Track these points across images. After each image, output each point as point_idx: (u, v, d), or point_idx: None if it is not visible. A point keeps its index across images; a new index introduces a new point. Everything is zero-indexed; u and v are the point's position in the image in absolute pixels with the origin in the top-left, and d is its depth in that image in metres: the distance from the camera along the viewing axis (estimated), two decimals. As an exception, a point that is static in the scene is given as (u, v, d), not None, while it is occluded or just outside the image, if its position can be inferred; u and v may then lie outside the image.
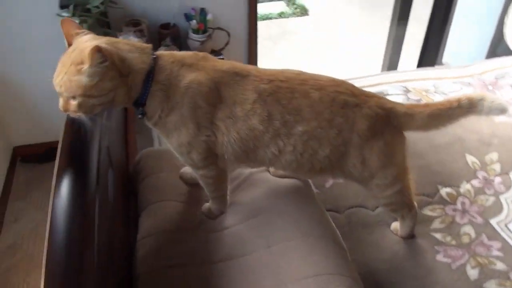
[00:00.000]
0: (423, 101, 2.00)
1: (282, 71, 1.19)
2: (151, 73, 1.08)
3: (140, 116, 1.13)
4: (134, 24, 2.28)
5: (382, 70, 3.31)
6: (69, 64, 1.00)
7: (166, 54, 1.14)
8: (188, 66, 1.12)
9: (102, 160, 1.08)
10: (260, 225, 1.28)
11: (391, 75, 2.20)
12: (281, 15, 4.97)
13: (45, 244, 0.82)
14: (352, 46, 4.22)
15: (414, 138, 1.77)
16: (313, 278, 1.11)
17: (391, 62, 3.23)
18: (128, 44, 1.09)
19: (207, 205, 1.38)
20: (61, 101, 1.05)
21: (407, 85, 2.10)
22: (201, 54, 1.17)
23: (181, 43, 2.41)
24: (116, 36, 2.11)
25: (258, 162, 1.24)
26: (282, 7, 5.14)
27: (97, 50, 0.95)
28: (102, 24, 2.17)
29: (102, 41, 1.04)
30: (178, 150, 1.20)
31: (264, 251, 1.21)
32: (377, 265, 1.38)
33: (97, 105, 1.05)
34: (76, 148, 1.04)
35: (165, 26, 2.36)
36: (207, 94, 1.11)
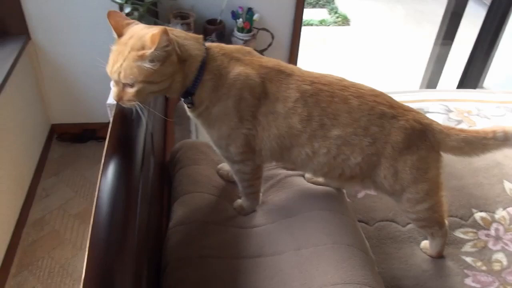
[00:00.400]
0: (464, 122, 1.96)
1: (325, 75, 1.20)
2: (204, 62, 1.10)
3: (189, 105, 1.15)
4: (182, 17, 2.32)
5: (421, 88, 3.27)
6: (128, 51, 1.02)
7: (215, 45, 1.17)
8: (236, 60, 1.15)
9: (147, 146, 1.10)
10: (291, 227, 1.28)
11: (433, 93, 2.18)
12: (322, 22, 4.96)
13: (90, 222, 0.84)
14: (391, 61, 4.18)
15: (452, 159, 1.74)
16: (341, 286, 1.10)
17: (431, 81, 3.19)
18: (182, 33, 1.12)
19: (239, 201, 1.38)
20: (115, 90, 1.06)
21: (449, 104, 2.07)
22: (247, 49, 1.19)
23: (225, 40, 2.43)
24: (163, 27, 2.15)
25: (291, 162, 1.25)
26: (324, 14, 5.13)
27: (165, 32, 0.98)
28: (152, 14, 2.20)
29: (156, 28, 1.06)
30: (218, 142, 1.22)
31: (294, 253, 1.21)
32: (404, 281, 1.36)
33: (155, 92, 1.07)
34: (125, 133, 1.07)
35: (212, 22, 2.39)
36: (253, 88, 1.13)
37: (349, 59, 4.24)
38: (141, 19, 1.99)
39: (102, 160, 0.97)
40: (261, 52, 2.49)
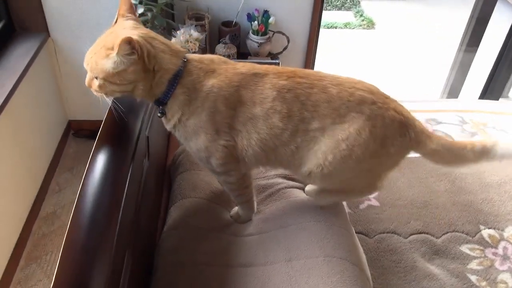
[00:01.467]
0: (479, 135, 1.90)
1: (302, 70, 1.17)
2: (178, 75, 1.09)
3: (159, 114, 1.15)
4: (197, 18, 2.32)
5: (442, 96, 3.19)
6: (101, 46, 1.04)
7: (196, 58, 1.14)
8: (212, 72, 1.13)
9: (139, 148, 1.10)
10: (285, 238, 1.26)
11: (448, 103, 2.12)
12: (346, 25, 4.90)
13: (71, 214, 0.85)
14: (414, 66, 4.09)
15: (464, 172, 1.70)
16: (329, 301, 1.08)
17: (453, 89, 3.10)
18: (164, 44, 1.10)
19: (236, 208, 1.38)
20: (88, 76, 1.10)
21: (465, 116, 2.00)
22: (222, 58, 1.18)
23: (240, 42, 2.43)
24: (177, 29, 2.16)
25: (278, 163, 1.22)
26: (349, 17, 5.07)
27: (127, 41, 0.98)
28: (166, 15, 2.21)
29: (138, 32, 1.06)
30: (197, 155, 1.20)
31: (285, 264, 1.19)
32: (401, 298, 1.32)
33: (116, 91, 1.09)
34: (116, 132, 1.07)
35: (227, 23, 2.38)
36: (227, 98, 1.11)
37: (371, 63, 4.17)
38: (154, 19, 2.00)
39: (89, 159, 0.98)
40: (277, 55, 2.48)
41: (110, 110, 1.13)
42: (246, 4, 2.36)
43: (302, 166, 1.18)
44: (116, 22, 1.13)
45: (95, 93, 1.10)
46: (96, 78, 1.06)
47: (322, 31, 4.73)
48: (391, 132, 1.15)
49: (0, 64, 2.06)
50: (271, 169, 1.47)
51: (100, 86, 1.07)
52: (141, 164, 1.16)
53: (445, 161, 1.26)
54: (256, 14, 2.34)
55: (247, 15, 2.35)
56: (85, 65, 1.08)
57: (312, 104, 1.12)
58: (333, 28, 4.83)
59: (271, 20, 2.35)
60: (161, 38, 1.11)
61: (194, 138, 1.15)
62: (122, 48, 0.99)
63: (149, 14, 1.99)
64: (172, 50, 1.10)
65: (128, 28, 1.08)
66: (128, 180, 1.00)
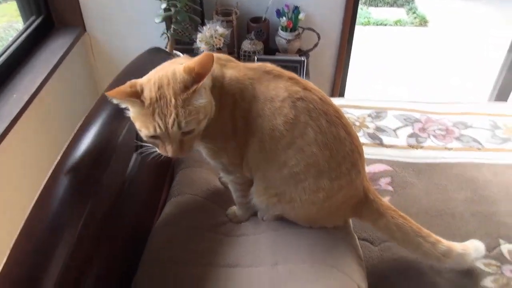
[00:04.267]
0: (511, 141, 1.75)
1: (321, 91, 1.15)
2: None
3: None
4: (226, 14, 2.31)
5: (490, 99, 2.98)
6: (172, 100, 0.93)
7: None
8: (223, 66, 1.11)
9: (122, 142, 1.10)
10: (275, 241, 1.23)
11: (481, 106, 1.97)
12: (397, 23, 4.72)
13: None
14: (466, 66, 3.86)
15: (489, 180, 1.58)
16: (309, 309, 1.03)
17: (502, 91, 2.89)
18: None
19: (233, 208, 1.35)
20: (173, 147, 0.97)
21: (497, 120, 1.85)
22: (224, 55, 1.15)
23: (268, 38, 2.40)
24: (203, 24, 2.16)
25: (261, 172, 1.18)
26: (401, 14, 4.88)
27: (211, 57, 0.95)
28: (194, 11, 2.22)
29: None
30: (213, 155, 1.17)
31: (270, 268, 1.15)
32: (400, 312, 1.25)
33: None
34: (101, 121, 1.08)
35: (256, 19, 2.36)
36: (243, 91, 1.08)
37: (421, 63, 3.99)
38: (178, 15, 2.01)
39: (63, 149, 0.99)
40: (307, 52, 2.42)
41: (97, 102, 1.14)
42: (276, 0, 2.32)
43: (277, 184, 1.16)
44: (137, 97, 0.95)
45: (186, 153, 1.00)
46: (190, 132, 0.97)
47: (369, 28, 4.61)
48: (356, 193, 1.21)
49: (36, 56, 2.16)
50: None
51: (198, 133, 1.00)
52: (128, 157, 1.16)
53: (398, 242, 1.26)
54: (286, 10, 2.30)
55: (277, 11, 2.31)
56: (174, 131, 0.93)
57: (319, 129, 1.08)
58: (382, 25, 4.67)
59: (301, 16, 2.30)
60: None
61: (213, 139, 1.11)
62: (210, 66, 0.94)
63: (172, 9, 2.00)
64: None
65: (160, 71, 0.99)
66: (106, 170, 1.00)
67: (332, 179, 1.12)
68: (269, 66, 1.13)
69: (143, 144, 1.03)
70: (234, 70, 1.10)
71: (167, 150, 0.97)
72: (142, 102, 0.93)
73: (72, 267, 0.86)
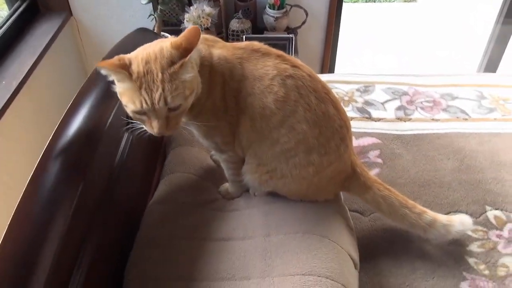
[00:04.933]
0: (498, 111, 1.78)
1: (308, 67, 1.16)
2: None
3: None
4: (212, -7, 2.30)
5: (478, 71, 3.00)
6: (159, 75, 0.93)
7: None
8: (211, 46, 1.12)
9: (113, 120, 1.11)
10: (268, 214, 1.25)
11: (468, 77, 1.98)
12: (386, -2, 4.70)
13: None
14: (455, 40, 3.87)
15: (475, 150, 1.61)
16: (300, 277, 1.06)
17: (490, 63, 2.91)
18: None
19: (226, 185, 1.37)
20: (159, 123, 0.96)
21: (484, 90, 1.88)
22: (211, 36, 1.16)
23: (256, 17, 2.39)
24: (190, 4, 2.15)
25: (254, 150, 1.19)
26: (390, -10, 4.85)
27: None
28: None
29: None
30: (206, 135, 1.19)
31: (262, 239, 1.18)
32: (389, 278, 1.28)
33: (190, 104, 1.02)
34: (90, 103, 1.09)
35: (243, -2, 2.35)
36: (231, 70, 1.10)
37: (411, 38, 3.98)
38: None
39: (53, 132, 1.00)
40: (295, 29, 2.42)
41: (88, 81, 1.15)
42: (263, -23, 2.31)
43: (269, 161, 1.18)
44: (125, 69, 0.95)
45: (173, 130, 1.01)
46: (176, 108, 0.96)
47: (359, 5, 4.59)
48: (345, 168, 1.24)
49: (23, 43, 2.14)
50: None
51: (184, 110, 0.98)
52: (119, 137, 1.17)
53: (384, 213, 1.29)
54: (272, -13, 2.29)
55: (263, -12, 2.31)
56: (160, 106, 0.93)
57: (308, 106, 1.11)
58: (371, 2, 4.65)
59: (288, -7, 2.30)
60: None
61: (206, 118, 1.11)
62: (197, 39, 0.94)
63: (157, -11, 1.99)
64: None
65: (149, 47, 0.99)
66: (96, 151, 1.01)
67: (322, 154, 1.15)
68: (256, 44, 1.14)
69: (131, 120, 1.04)
70: (222, 50, 1.11)
71: (153, 126, 0.97)
72: (130, 75, 0.93)
73: (67, 250, 0.88)
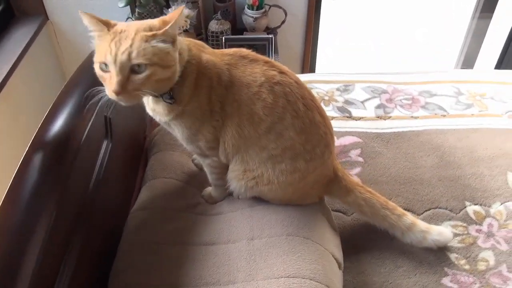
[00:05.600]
0: (475, 107, 1.81)
1: (294, 74, 1.19)
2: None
3: (170, 101, 1.07)
4: (191, -6, 2.29)
5: (456, 67, 3.05)
6: (133, 33, 0.94)
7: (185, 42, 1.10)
8: (202, 51, 1.12)
9: (92, 129, 1.10)
10: (251, 217, 1.25)
11: (446, 74, 2.01)
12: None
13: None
14: (432, 36, 3.92)
15: (454, 146, 1.64)
16: (284, 279, 1.07)
17: (467, 58, 2.96)
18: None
19: (208, 189, 1.37)
20: (118, 80, 0.93)
21: (461, 87, 1.91)
22: (199, 42, 1.16)
23: (235, 18, 2.39)
24: (168, 7, 2.14)
25: (240, 157, 1.19)
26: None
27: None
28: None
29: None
30: (189, 139, 1.17)
31: (246, 243, 1.18)
32: (372, 277, 1.30)
33: (160, 81, 1.00)
34: (64, 110, 1.08)
35: (222, -1, 2.34)
36: (219, 76, 1.10)
37: (387, 35, 4.02)
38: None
39: (32, 137, 0.99)
40: (275, 29, 2.43)
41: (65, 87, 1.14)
42: (241, -22, 2.31)
43: (256, 167, 1.18)
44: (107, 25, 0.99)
45: (131, 95, 0.97)
46: (139, 71, 0.94)
47: (336, 2, 4.59)
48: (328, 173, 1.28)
49: (-1, 48, 2.11)
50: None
51: (148, 77, 0.94)
52: (98, 145, 1.16)
53: (363, 213, 1.32)
54: (250, -12, 2.29)
55: (242, -11, 2.30)
56: (122, 60, 0.92)
57: (296, 113, 1.12)
58: (348, -2, 4.67)
59: (266, -7, 2.30)
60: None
61: (190, 121, 1.11)
62: (179, 20, 0.95)
63: (136, -7, 1.97)
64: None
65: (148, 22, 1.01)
66: (75, 160, 1.00)
67: (307, 160, 1.17)
68: (244, 51, 1.16)
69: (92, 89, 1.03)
70: (211, 55, 1.12)
71: (111, 83, 0.94)
72: (108, 30, 0.96)
73: (48, 260, 0.87)
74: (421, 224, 1.30)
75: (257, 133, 1.13)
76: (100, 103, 1.04)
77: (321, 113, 1.19)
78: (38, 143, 1.01)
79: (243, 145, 1.16)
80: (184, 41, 1.07)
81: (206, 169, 1.31)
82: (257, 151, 1.16)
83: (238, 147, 1.17)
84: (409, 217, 1.29)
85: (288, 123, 1.12)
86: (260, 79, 1.11)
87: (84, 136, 1.06)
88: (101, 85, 1.00)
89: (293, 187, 1.21)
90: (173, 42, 0.97)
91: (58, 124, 1.05)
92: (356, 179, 1.53)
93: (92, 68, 1.00)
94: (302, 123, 1.13)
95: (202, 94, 1.09)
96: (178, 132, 1.17)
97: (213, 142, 1.17)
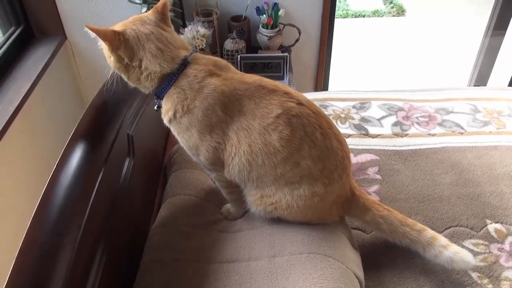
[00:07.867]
0: (492, 124, 1.81)
1: (313, 104, 1.20)
2: (172, 76, 1.12)
3: (156, 108, 1.18)
4: (206, 14, 2.33)
5: (469, 84, 3.05)
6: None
7: (200, 59, 1.15)
8: (214, 75, 1.13)
9: (116, 147, 1.12)
10: (271, 234, 1.25)
11: (461, 92, 2.01)
12: (375, 13, 4.78)
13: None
14: (445, 53, 3.93)
15: (473, 163, 1.63)
16: (307, 298, 1.06)
17: (480, 76, 2.96)
18: (161, 47, 1.11)
19: (227, 205, 1.38)
20: None
21: (477, 104, 1.91)
22: (223, 62, 1.19)
23: (250, 36, 2.42)
24: (184, 26, 2.17)
25: (255, 183, 1.20)
26: (378, 5, 4.94)
27: (105, 32, 1.07)
28: (176, 14, 2.23)
29: (135, 28, 1.11)
30: (189, 151, 1.22)
31: (268, 260, 1.18)
32: (394, 295, 1.28)
33: (117, 68, 1.15)
34: (91, 130, 1.09)
35: (236, 18, 2.38)
36: (226, 105, 1.12)
37: (400, 52, 4.05)
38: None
39: (59, 157, 1.01)
40: (289, 47, 2.45)
41: (89, 107, 1.16)
42: (256, -2, 2.35)
43: (273, 193, 1.19)
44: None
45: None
46: None
47: (349, 20, 4.66)
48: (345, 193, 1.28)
49: (18, 67, 2.15)
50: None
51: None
52: (120, 163, 1.18)
53: (381, 231, 1.31)
54: (265, 7, 2.33)
55: (256, 9, 2.34)
56: None
57: (313, 143, 1.14)
58: (361, 17, 4.72)
59: (280, 12, 2.33)
60: (165, 39, 1.13)
61: (186, 135, 1.16)
62: (101, 35, 1.07)
63: (153, 13, 2.00)
64: (167, 54, 1.11)
65: (133, 21, 1.13)
66: (100, 178, 1.02)
67: (326, 185, 1.18)
68: (265, 80, 1.17)
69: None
70: (225, 82, 1.13)
71: None
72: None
73: (74, 279, 0.87)
74: (441, 239, 1.26)
75: (273, 162, 1.14)
76: (123, 121, 1.06)
77: (339, 139, 1.20)
78: (64, 164, 1.02)
79: (255, 172, 1.17)
80: (157, 66, 1.11)
81: (216, 183, 1.32)
82: (272, 179, 1.17)
83: (248, 174, 1.18)
84: (429, 232, 1.27)
85: (306, 153, 1.14)
86: (276, 110, 1.12)
87: (109, 154, 1.08)
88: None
89: (312, 209, 1.21)
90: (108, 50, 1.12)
91: (84, 143, 1.07)
92: (374, 197, 1.54)
93: (111, 91, 1.06)
94: (320, 152, 1.15)
95: (199, 113, 1.11)
96: (180, 143, 1.21)
97: (214, 160, 1.18)
